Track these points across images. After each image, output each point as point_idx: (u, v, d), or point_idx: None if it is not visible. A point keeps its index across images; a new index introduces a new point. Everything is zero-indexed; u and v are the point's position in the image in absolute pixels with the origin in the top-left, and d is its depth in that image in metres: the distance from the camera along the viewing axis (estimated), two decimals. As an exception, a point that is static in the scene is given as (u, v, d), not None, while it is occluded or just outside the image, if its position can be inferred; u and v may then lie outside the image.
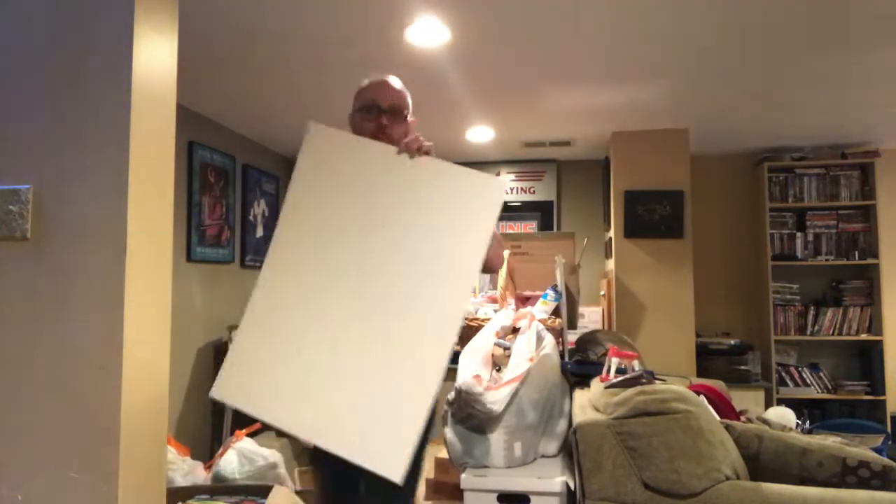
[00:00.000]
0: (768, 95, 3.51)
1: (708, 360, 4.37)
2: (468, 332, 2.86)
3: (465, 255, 1.50)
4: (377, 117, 1.77)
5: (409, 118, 1.86)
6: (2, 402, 1.46)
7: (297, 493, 2.41)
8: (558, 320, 3.08)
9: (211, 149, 3.93)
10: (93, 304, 1.44)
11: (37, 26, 1.51)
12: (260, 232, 4.56)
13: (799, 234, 4.61)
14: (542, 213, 5.12)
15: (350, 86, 1.91)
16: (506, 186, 1.78)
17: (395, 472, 1.38)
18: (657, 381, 2.26)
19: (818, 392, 4.52)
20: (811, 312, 4.57)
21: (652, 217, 4.23)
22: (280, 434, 3.27)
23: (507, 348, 2.71)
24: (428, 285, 1.50)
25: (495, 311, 3.14)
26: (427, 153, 1.61)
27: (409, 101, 1.86)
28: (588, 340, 3.14)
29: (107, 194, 1.45)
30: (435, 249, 1.51)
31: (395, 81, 1.85)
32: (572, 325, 3.46)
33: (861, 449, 1.92)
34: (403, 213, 1.56)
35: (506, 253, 3.14)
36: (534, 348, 2.65)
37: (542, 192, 5.14)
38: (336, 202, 1.58)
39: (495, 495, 2.32)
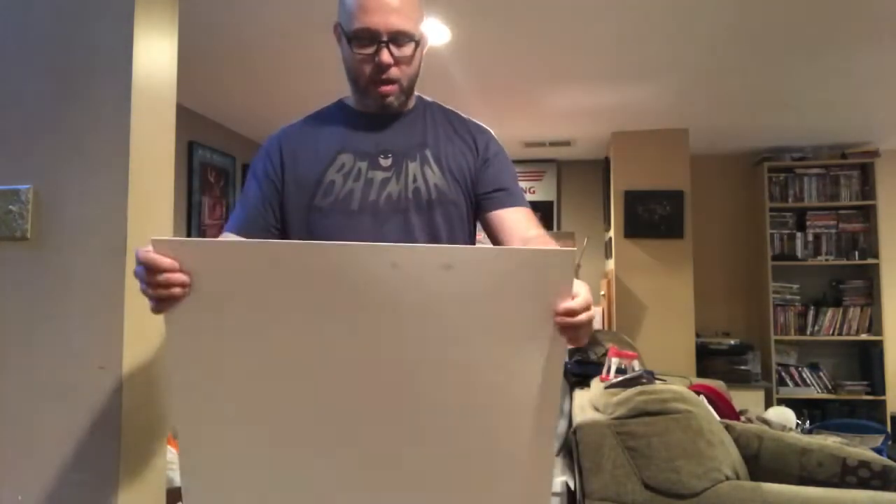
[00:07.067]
0: (768, 95, 3.51)
1: (708, 360, 4.36)
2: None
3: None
4: (372, 53, 1.22)
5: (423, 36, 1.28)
6: (2, 403, 1.46)
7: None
8: (558, 320, 3.08)
9: (211, 149, 3.93)
10: (93, 304, 1.43)
11: (37, 26, 1.51)
12: (260, 232, 4.55)
13: (799, 234, 4.61)
14: (542, 213, 5.12)
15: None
16: (575, 258, 0.97)
17: None
18: (657, 381, 2.26)
19: (818, 392, 4.52)
20: (811, 312, 4.56)
21: (652, 217, 4.22)
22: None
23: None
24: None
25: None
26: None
27: (420, 8, 1.30)
28: (588, 340, 3.13)
29: (107, 194, 1.45)
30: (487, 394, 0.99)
31: None
32: (572, 325, 3.45)
33: (861, 449, 1.92)
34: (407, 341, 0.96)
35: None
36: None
37: (542, 192, 5.15)
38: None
39: (495, 495, 2.31)
